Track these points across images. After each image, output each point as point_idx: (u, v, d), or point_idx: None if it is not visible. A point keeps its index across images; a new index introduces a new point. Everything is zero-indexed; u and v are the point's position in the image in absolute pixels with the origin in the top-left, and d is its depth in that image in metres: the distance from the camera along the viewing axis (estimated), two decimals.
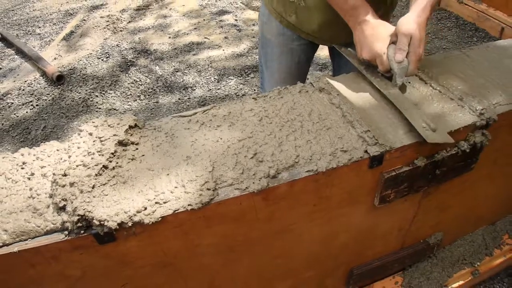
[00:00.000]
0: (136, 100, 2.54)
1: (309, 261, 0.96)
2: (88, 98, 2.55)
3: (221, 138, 0.78)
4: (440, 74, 0.96)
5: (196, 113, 0.88)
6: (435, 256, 1.26)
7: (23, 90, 2.66)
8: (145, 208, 0.69)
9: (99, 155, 0.74)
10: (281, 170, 0.71)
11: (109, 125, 0.84)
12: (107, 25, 3.28)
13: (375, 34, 0.91)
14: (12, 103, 2.57)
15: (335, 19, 1.04)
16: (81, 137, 0.78)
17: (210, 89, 2.55)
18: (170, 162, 0.76)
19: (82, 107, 2.50)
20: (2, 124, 2.40)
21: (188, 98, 2.49)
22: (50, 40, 3.25)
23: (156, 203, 0.70)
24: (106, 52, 2.98)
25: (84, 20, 3.46)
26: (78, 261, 0.70)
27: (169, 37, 3.14)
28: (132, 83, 2.67)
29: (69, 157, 0.74)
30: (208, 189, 0.69)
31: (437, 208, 1.05)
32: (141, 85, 2.66)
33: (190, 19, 3.38)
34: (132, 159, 0.78)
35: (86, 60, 2.90)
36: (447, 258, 1.27)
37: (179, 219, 0.70)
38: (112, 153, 0.77)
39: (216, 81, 2.63)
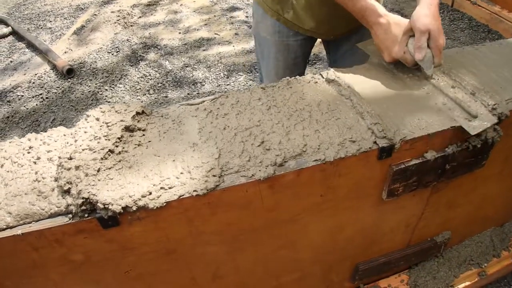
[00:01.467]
0: (145, 94, 2.55)
1: (314, 254, 0.95)
2: (98, 92, 2.57)
3: (228, 126, 0.78)
4: (452, 68, 0.94)
5: (204, 101, 0.87)
6: (442, 255, 1.23)
7: (33, 83, 2.69)
8: (150, 193, 0.69)
9: (106, 139, 0.73)
10: (288, 158, 0.70)
11: (116, 111, 0.84)
12: (118, 20, 3.31)
13: (389, 38, 0.89)
14: (22, 95, 2.60)
15: (333, 12, 1.02)
16: (88, 122, 0.78)
17: (220, 85, 2.55)
18: (177, 148, 0.76)
19: (92, 100, 2.52)
20: (12, 116, 2.43)
21: (197, 94, 2.50)
22: (61, 34, 3.28)
23: (161, 188, 0.69)
24: (116, 47, 3.00)
25: (95, 14, 3.49)
26: (81, 245, 0.70)
27: (179, 33, 3.15)
28: (141, 77, 2.69)
29: (75, 141, 0.74)
30: (214, 176, 0.69)
31: (445, 206, 1.03)
32: (150, 79, 2.67)
33: (200, 15, 3.39)
34: (138, 145, 0.78)
35: (96, 54, 2.93)
36: (454, 258, 1.25)
37: (184, 205, 0.69)
38: (119, 138, 0.77)
39: (226, 76, 2.63)
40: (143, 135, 0.80)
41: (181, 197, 0.68)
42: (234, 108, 0.82)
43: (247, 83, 2.53)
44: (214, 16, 3.33)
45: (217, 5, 3.52)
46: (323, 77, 0.90)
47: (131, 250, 0.76)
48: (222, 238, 0.79)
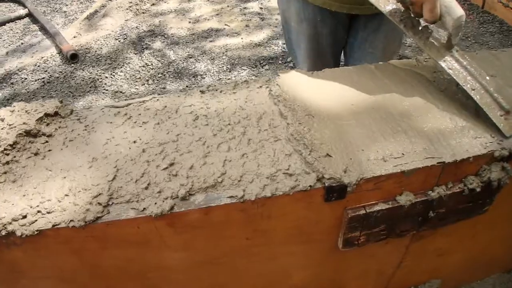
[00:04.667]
0: (144, 84, 2.44)
1: None
2: (98, 79, 2.49)
3: (140, 139, 0.61)
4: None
5: (130, 104, 0.71)
6: None
7: (38, 66, 2.65)
8: (25, 217, 0.55)
9: None
10: (195, 190, 0.53)
11: (26, 111, 0.70)
12: (130, 7, 3.22)
13: None
14: (26, 78, 2.56)
15: None
16: None
17: (220, 78, 2.39)
18: (73, 163, 0.61)
19: (90, 87, 2.44)
20: (12, 98, 2.40)
21: (196, 86, 2.35)
22: (74, 19, 3.24)
23: (38, 211, 0.55)
24: (124, 34, 2.90)
25: (109, 0, 3.43)
26: None
27: (189, 22, 3.01)
28: (143, 66, 2.58)
29: None
30: (99, 204, 0.53)
31: (434, 253, 0.82)
32: (152, 69, 2.55)
33: (213, 4, 3.22)
34: (35, 154, 0.64)
35: (104, 40, 2.85)
36: None
37: (61, 236, 0.55)
38: (11, 145, 0.63)
39: (228, 70, 2.46)
40: (46, 141, 0.66)
41: (56, 227, 0.53)
42: (157, 115, 0.66)
43: (249, 78, 2.35)
44: (228, 6, 3.16)
45: None
46: (278, 84, 0.71)
47: (20, 273, 0.63)
48: (124, 273, 0.63)
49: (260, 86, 0.70)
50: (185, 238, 0.56)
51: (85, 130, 0.67)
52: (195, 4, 3.22)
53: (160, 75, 2.50)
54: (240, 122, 0.62)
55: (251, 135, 0.59)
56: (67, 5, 3.47)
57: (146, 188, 0.53)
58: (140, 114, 0.67)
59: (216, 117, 0.63)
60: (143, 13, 3.16)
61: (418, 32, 0.67)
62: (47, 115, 0.69)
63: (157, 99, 0.71)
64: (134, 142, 0.61)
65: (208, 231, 0.56)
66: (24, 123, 0.66)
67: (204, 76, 2.44)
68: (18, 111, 0.70)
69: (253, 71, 2.42)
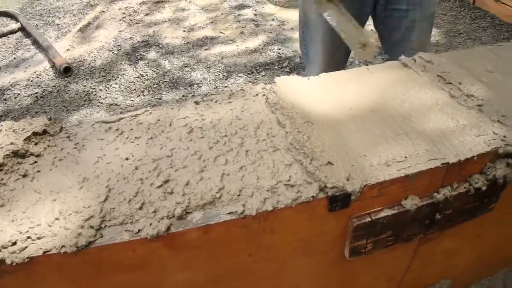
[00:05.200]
0: (139, 95, 2.42)
1: None
2: (92, 92, 2.47)
3: (132, 155, 0.59)
4: (457, 76, 0.70)
5: (121, 118, 0.69)
6: None
7: (32, 81, 2.63)
8: (14, 243, 0.52)
9: None
10: (192, 208, 0.50)
11: (13, 130, 0.68)
12: (123, 17, 3.21)
13: None
14: (19, 94, 2.54)
15: None
16: None
17: (217, 87, 2.37)
18: (63, 184, 0.58)
19: (84, 101, 2.42)
20: (6, 115, 2.38)
21: (193, 96, 2.33)
22: (67, 31, 3.23)
23: (28, 237, 0.53)
24: (118, 45, 2.89)
25: (103, 11, 3.42)
26: None
27: (184, 31, 3.00)
28: (138, 77, 2.56)
29: None
30: (91, 227, 0.50)
31: (442, 255, 0.79)
32: (147, 79, 2.53)
33: (208, 12, 3.22)
34: (24, 176, 0.62)
35: (97, 52, 2.83)
36: None
37: (54, 262, 0.52)
38: None
39: (225, 78, 2.44)
40: (35, 162, 0.64)
41: (47, 253, 0.50)
42: (150, 130, 0.64)
43: (246, 85, 2.34)
44: (222, 13, 3.15)
45: (226, 2, 3.33)
46: (275, 92, 0.69)
47: None
48: None
49: (256, 94, 0.68)
50: (185, 259, 0.53)
51: (75, 148, 0.64)
52: (189, 13, 3.22)
53: (155, 85, 2.47)
54: (237, 132, 0.59)
55: (248, 146, 0.57)
56: (60, 17, 3.46)
57: (140, 208, 0.51)
58: (132, 129, 0.65)
59: (211, 129, 0.61)
60: (136, 23, 3.15)
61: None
62: (35, 133, 0.67)
63: (150, 112, 0.68)
64: (127, 159, 0.59)
65: (209, 250, 0.53)
66: (11, 143, 0.64)
67: (201, 85, 2.42)
68: (6, 130, 0.68)
69: (250, 77, 2.40)
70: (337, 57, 1.23)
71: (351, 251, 0.60)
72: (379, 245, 0.62)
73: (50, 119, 0.71)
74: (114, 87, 2.49)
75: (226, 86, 2.37)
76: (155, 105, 2.32)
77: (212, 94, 0.69)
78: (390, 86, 0.70)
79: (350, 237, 0.58)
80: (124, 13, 3.24)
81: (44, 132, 0.68)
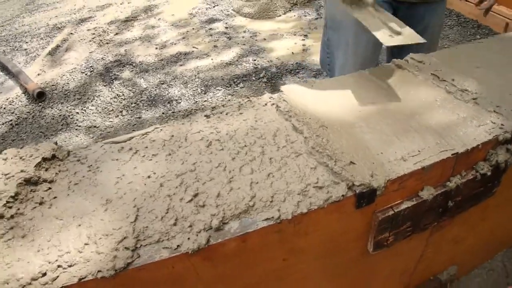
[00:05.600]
0: (118, 116, 2.36)
1: None
2: (68, 116, 2.39)
3: (154, 173, 0.58)
4: (449, 73, 0.75)
5: (132, 137, 0.68)
6: None
7: (4, 108, 2.52)
8: (44, 274, 0.50)
9: None
10: (228, 218, 0.51)
11: (20, 158, 0.65)
12: (93, 38, 3.14)
13: None
14: None
15: None
16: None
17: (196, 101, 2.36)
18: (85, 208, 0.56)
19: (62, 125, 2.33)
20: None
21: (173, 112, 2.31)
22: (35, 56, 3.11)
23: (58, 266, 0.51)
24: (91, 66, 2.82)
25: (71, 33, 3.33)
26: None
27: (156, 48, 2.98)
28: (114, 98, 2.50)
29: None
30: (127, 248, 0.49)
31: (450, 242, 0.84)
32: (124, 99, 2.48)
33: (178, 28, 3.22)
34: (40, 203, 0.59)
35: (70, 75, 2.75)
36: None
37: None
38: (13, 197, 0.58)
39: (203, 92, 2.44)
40: (49, 188, 0.62)
41: (82, 280, 0.49)
42: (166, 146, 0.63)
43: (225, 98, 2.35)
44: (193, 28, 3.17)
45: (195, 17, 3.35)
46: (283, 99, 0.71)
47: None
48: None
49: (265, 104, 0.70)
50: (222, 270, 0.53)
51: (90, 170, 0.63)
52: (159, 30, 3.21)
53: (133, 104, 2.43)
54: (256, 142, 0.61)
55: (270, 154, 0.58)
56: (27, 42, 3.34)
57: (175, 224, 0.51)
58: (147, 147, 0.64)
59: (229, 140, 0.62)
60: (107, 43, 3.10)
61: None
62: (44, 159, 0.64)
63: (161, 129, 0.68)
64: (149, 177, 0.58)
65: (245, 258, 0.53)
66: (22, 171, 0.62)
67: (179, 101, 2.40)
68: (12, 158, 0.65)
69: (229, 90, 2.42)
70: (370, 58, 1.18)
71: (375, 244, 0.62)
72: (400, 237, 0.64)
73: (56, 143, 0.69)
74: (91, 109, 2.43)
75: (205, 101, 2.37)
76: (135, 124, 2.28)
77: (220, 107, 0.70)
78: (391, 87, 0.74)
79: (374, 231, 0.60)
80: (93, 34, 3.18)
81: (53, 157, 0.66)
